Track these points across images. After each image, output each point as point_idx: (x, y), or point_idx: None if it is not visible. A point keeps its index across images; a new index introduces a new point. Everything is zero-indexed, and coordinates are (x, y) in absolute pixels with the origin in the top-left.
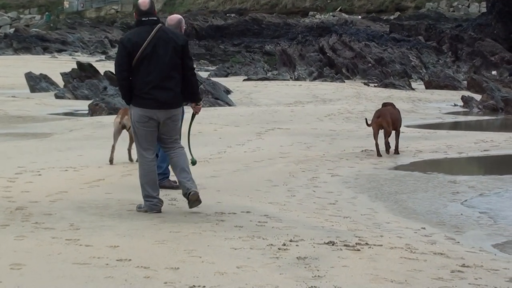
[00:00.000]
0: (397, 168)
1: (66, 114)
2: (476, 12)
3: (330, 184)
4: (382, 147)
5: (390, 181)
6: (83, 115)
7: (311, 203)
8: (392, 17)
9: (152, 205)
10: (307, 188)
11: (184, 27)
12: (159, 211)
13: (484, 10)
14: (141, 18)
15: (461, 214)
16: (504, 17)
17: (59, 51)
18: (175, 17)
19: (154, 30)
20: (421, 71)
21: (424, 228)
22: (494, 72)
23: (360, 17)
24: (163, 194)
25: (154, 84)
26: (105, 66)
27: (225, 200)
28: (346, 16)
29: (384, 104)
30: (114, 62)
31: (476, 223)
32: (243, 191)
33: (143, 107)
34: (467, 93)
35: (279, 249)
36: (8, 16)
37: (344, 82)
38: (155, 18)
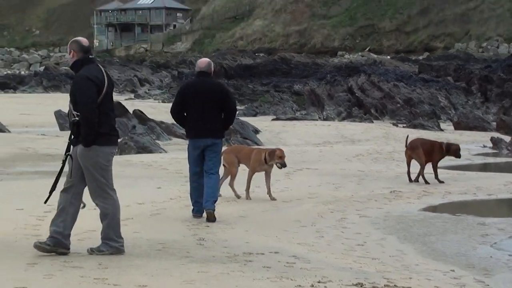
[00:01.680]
0: (426, 209)
1: None
2: (505, 53)
3: (358, 225)
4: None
5: (419, 222)
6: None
7: (339, 244)
8: (421, 58)
9: (119, 247)
10: (336, 229)
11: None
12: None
13: None
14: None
15: (491, 256)
16: None
17: None
18: (205, 60)
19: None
20: (450, 112)
21: (453, 271)
22: None
23: (389, 57)
24: (191, 234)
25: None
26: (134, 104)
27: (253, 240)
28: (375, 56)
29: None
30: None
31: (506, 266)
32: (271, 231)
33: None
34: (496, 135)
35: None
36: (39, 54)
37: (373, 122)
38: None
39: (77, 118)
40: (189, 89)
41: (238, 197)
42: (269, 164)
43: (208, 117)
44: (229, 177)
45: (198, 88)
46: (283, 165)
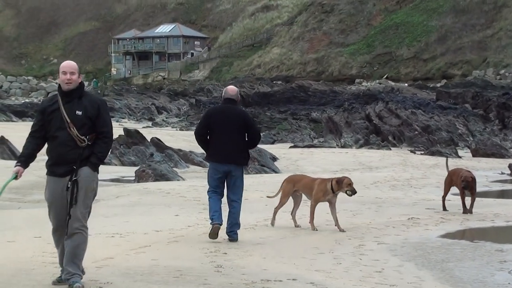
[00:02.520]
0: (444, 236)
1: (112, 180)
2: None
3: (376, 252)
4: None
5: (436, 249)
6: (129, 181)
7: (357, 271)
8: (438, 85)
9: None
10: (353, 255)
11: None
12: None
13: None
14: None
15: (509, 283)
16: None
17: None
18: (234, 88)
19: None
20: (468, 139)
21: None
22: None
23: (406, 84)
24: (209, 261)
25: None
26: (151, 132)
27: (271, 267)
28: (393, 83)
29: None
30: None
31: None
32: (289, 258)
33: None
34: None
35: None
36: (56, 83)
37: (391, 149)
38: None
39: (89, 142)
40: (217, 114)
41: (297, 226)
42: (335, 193)
43: (233, 143)
44: (294, 206)
45: (226, 114)
46: (353, 192)
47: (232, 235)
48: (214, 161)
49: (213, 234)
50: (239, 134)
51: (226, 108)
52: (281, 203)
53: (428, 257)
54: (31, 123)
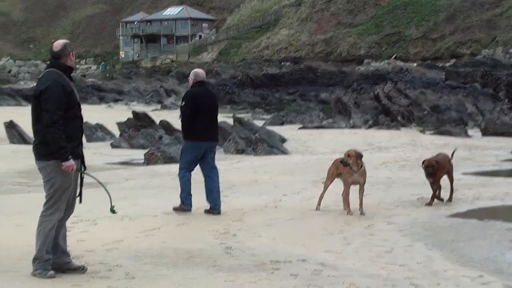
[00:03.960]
0: (453, 215)
1: (122, 163)
2: None
3: (386, 232)
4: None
5: (446, 229)
6: (139, 164)
7: (367, 251)
8: (447, 64)
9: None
10: (363, 236)
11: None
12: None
13: None
14: None
15: None
16: None
17: (115, 100)
18: (202, 71)
19: None
20: (477, 118)
21: (481, 277)
22: None
23: (415, 64)
24: (218, 243)
25: None
26: (160, 115)
27: (280, 248)
28: (402, 63)
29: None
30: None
31: None
32: (298, 240)
33: None
34: None
35: None
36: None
37: (400, 129)
38: None
39: None
40: (201, 97)
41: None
42: (353, 170)
43: (213, 122)
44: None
45: (209, 96)
46: (343, 162)
47: (218, 208)
48: (198, 139)
49: (179, 212)
50: (216, 114)
51: (206, 91)
52: (325, 187)
53: (437, 236)
54: None
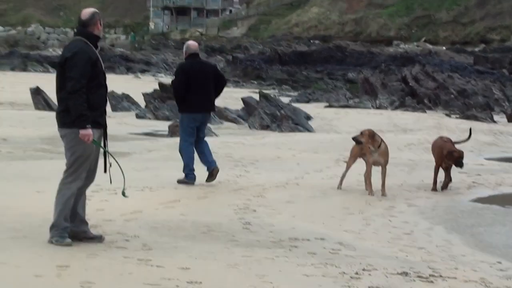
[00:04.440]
0: (475, 200)
1: (146, 134)
2: None
3: (406, 214)
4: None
5: (467, 213)
6: (162, 135)
7: (386, 233)
8: (477, 49)
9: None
10: (383, 217)
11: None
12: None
13: None
14: None
15: None
16: None
17: (142, 71)
18: (195, 43)
19: None
20: (504, 104)
21: (500, 263)
22: None
23: (444, 48)
24: (238, 217)
25: None
26: None
27: (299, 226)
28: (431, 46)
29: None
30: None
31: None
32: (318, 218)
33: None
34: None
35: (351, 277)
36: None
37: (426, 112)
38: None
39: None
40: (192, 70)
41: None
42: (371, 150)
43: (207, 93)
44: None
45: (201, 69)
46: (354, 139)
47: (214, 165)
48: (193, 111)
49: (181, 183)
50: (212, 85)
51: (198, 63)
52: (347, 167)
53: (458, 221)
54: None
